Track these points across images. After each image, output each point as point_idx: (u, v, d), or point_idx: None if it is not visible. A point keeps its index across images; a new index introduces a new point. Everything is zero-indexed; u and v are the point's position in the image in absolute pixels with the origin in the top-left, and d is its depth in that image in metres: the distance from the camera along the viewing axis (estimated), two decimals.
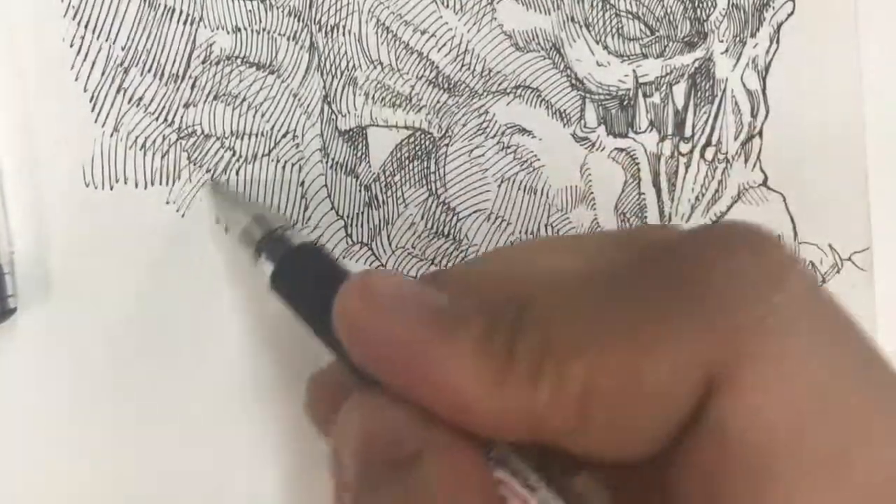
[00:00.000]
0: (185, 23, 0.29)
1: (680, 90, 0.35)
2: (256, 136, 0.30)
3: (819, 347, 0.18)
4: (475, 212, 0.33)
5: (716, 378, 0.18)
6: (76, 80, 0.28)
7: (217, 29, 0.30)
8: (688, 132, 0.35)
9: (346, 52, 0.31)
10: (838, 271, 0.37)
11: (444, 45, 0.32)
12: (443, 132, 0.32)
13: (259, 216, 0.27)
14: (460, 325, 0.19)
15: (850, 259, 0.37)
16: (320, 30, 0.31)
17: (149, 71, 0.29)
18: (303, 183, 0.31)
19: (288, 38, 0.30)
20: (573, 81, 0.33)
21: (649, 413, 0.18)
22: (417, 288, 0.21)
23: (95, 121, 0.28)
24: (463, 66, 0.32)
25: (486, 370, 0.19)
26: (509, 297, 0.20)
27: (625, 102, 0.34)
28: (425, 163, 0.32)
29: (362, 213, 0.31)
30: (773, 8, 0.36)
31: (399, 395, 0.20)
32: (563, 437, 0.19)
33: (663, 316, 0.18)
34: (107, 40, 0.28)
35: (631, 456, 0.19)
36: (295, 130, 0.31)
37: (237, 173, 0.30)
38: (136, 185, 0.29)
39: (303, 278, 0.26)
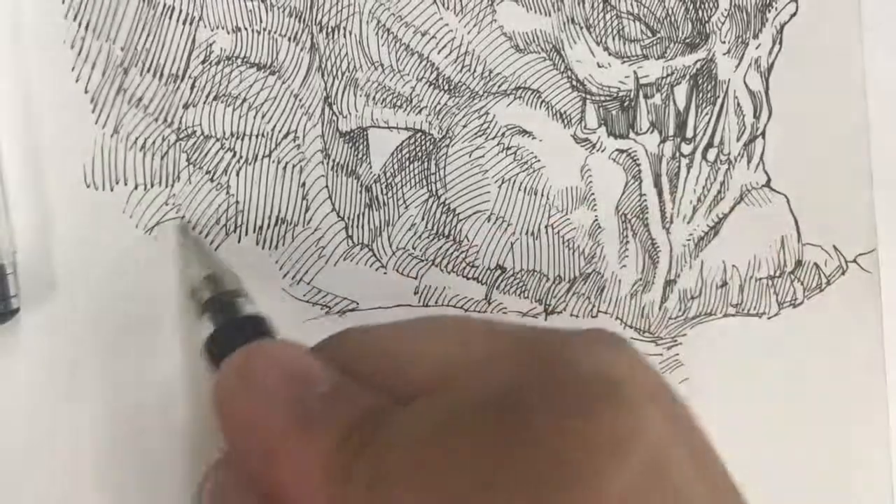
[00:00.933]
0: (184, 22, 0.29)
1: (681, 91, 0.34)
2: (257, 137, 0.30)
3: None
4: (476, 213, 0.33)
5: None
6: (77, 80, 0.28)
7: (217, 29, 0.30)
8: (689, 133, 0.35)
9: (346, 54, 0.31)
10: (843, 273, 0.37)
11: (445, 46, 0.32)
12: (443, 133, 0.32)
13: (214, 276, 0.27)
14: (320, 428, 0.20)
15: (855, 261, 0.37)
16: (321, 31, 0.31)
17: (148, 71, 0.29)
18: (303, 184, 0.31)
19: (289, 39, 0.30)
20: (574, 83, 0.33)
21: None
22: (300, 368, 0.21)
23: (96, 122, 0.28)
24: (463, 67, 0.32)
25: (329, 479, 0.19)
26: (365, 411, 0.20)
27: (626, 104, 0.34)
28: (426, 164, 0.32)
29: (363, 214, 0.31)
30: (776, 8, 0.36)
31: (246, 475, 0.21)
32: None
33: (491, 487, 0.17)
34: (106, 41, 0.28)
35: None
36: (296, 132, 0.31)
37: (238, 174, 0.30)
38: (136, 186, 0.29)
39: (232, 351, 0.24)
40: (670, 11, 0.34)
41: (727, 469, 0.21)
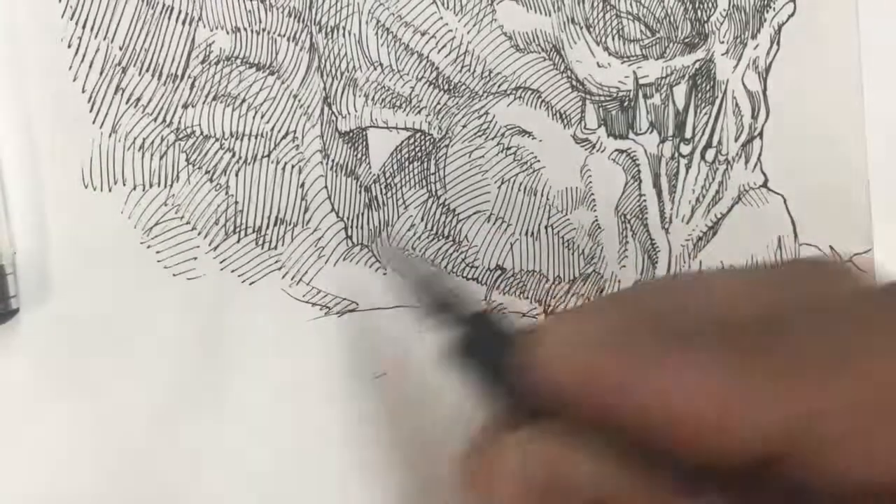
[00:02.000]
0: (183, 22, 0.29)
1: (680, 91, 0.35)
2: (256, 137, 0.30)
3: None
4: (475, 213, 0.32)
5: None
6: (74, 80, 0.28)
7: (216, 29, 0.29)
8: (688, 133, 0.35)
9: (346, 54, 0.31)
10: None
11: (445, 46, 0.32)
12: (443, 133, 0.32)
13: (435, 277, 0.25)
14: (695, 336, 0.18)
15: (851, 261, 0.37)
16: (320, 31, 0.31)
17: (147, 71, 0.29)
18: (303, 184, 0.30)
19: (288, 39, 0.30)
20: (573, 83, 0.33)
21: None
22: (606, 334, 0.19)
23: (94, 121, 0.28)
24: (463, 67, 0.32)
25: (743, 370, 0.17)
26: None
27: (625, 104, 0.34)
28: (425, 164, 0.32)
29: (362, 214, 0.31)
30: (774, 9, 0.36)
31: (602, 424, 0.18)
32: (820, 455, 0.17)
33: None
34: (105, 40, 0.28)
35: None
36: (295, 132, 0.30)
37: (237, 174, 0.30)
38: (135, 187, 0.29)
39: (484, 350, 0.22)
40: (669, 11, 0.34)
41: None
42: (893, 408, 0.17)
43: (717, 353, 0.17)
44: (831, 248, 0.37)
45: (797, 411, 0.17)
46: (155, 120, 0.29)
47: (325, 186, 0.31)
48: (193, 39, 0.29)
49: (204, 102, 0.29)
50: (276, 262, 0.30)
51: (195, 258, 0.29)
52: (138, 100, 0.29)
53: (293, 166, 0.30)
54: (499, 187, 0.33)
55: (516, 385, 0.20)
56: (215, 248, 0.30)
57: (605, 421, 0.18)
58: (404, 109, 0.32)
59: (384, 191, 0.31)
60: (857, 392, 0.17)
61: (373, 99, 0.31)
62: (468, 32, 0.32)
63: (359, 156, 0.31)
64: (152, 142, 0.29)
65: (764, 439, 0.17)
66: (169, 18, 0.29)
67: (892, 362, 0.17)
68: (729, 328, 0.18)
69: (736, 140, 0.35)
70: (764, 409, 0.17)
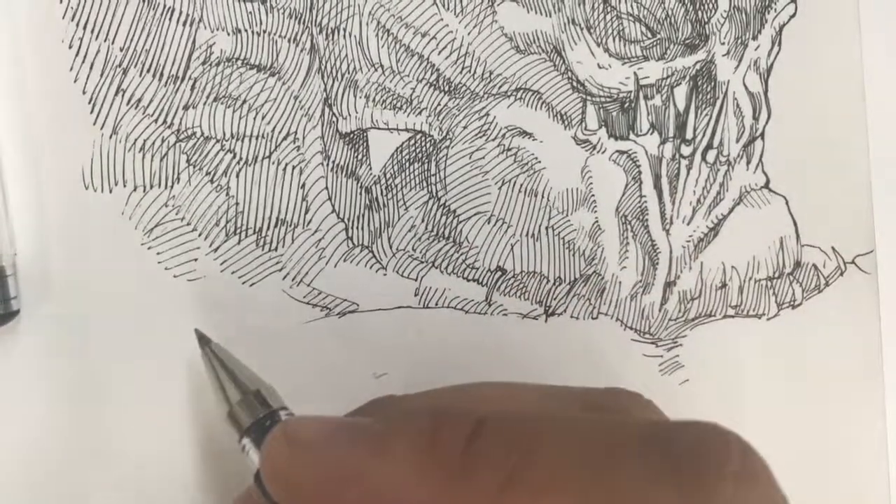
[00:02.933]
0: (184, 23, 0.29)
1: (681, 92, 0.34)
2: (257, 138, 0.30)
3: None
4: (476, 214, 0.32)
5: None
6: (75, 81, 0.28)
7: (217, 30, 0.29)
8: (689, 134, 0.35)
9: (346, 55, 0.31)
10: (842, 274, 0.37)
11: (445, 47, 0.32)
12: (443, 134, 0.32)
13: (250, 396, 0.25)
14: (400, 434, 0.19)
15: (853, 262, 0.37)
16: (321, 32, 0.31)
17: (148, 72, 0.29)
18: (303, 185, 0.31)
19: (289, 41, 0.30)
20: (574, 84, 0.33)
21: None
22: (343, 420, 0.21)
23: (94, 123, 0.28)
24: (463, 68, 0.32)
25: (434, 474, 0.18)
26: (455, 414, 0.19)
27: (626, 105, 0.34)
28: (426, 165, 0.32)
29: (363, 215, 0.31)
30: (775, 10, 0.36)
31: None
32: None
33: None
34: (105, 41, 0.28)
35: None
36: (296, 133, 0.30)
37: (238, 175, 0.30)
38: (135, 188, 0.29)
39: None
40: (670, 12, 0.34)
41: None
42: None
43: (422, 462, 0.18)
44: (833, 249, 0.37)
45: None
46: (156, 121, 0.29)
47: (326, 187, 0.31)
48: (194, 41, 0.29)
49: (205, 104, 0.29)
50: (277, 263, 0.30)
51: (196, 259, 0.29)
52: (139, 101, 0.29)
53: (294, 167, 0.30)
54: (499, 188, 0.33)
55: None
56: (216, 250, 0.30)
57: None
58: (405, 111, 0.32)
59: (385, 192, 0.32)
60: None
61: (373, 100, 0.31)
62: (468, 34, 0.32)
63: (359, 157, 0.31)
64: (153, 143, 0.29)
65: None
66: (170, 20, 0.29)
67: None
68: (441, 433, 0.18)
69: (737, 141, 0.35)
70: None
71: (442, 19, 0.32)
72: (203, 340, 0.26)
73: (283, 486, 0.21)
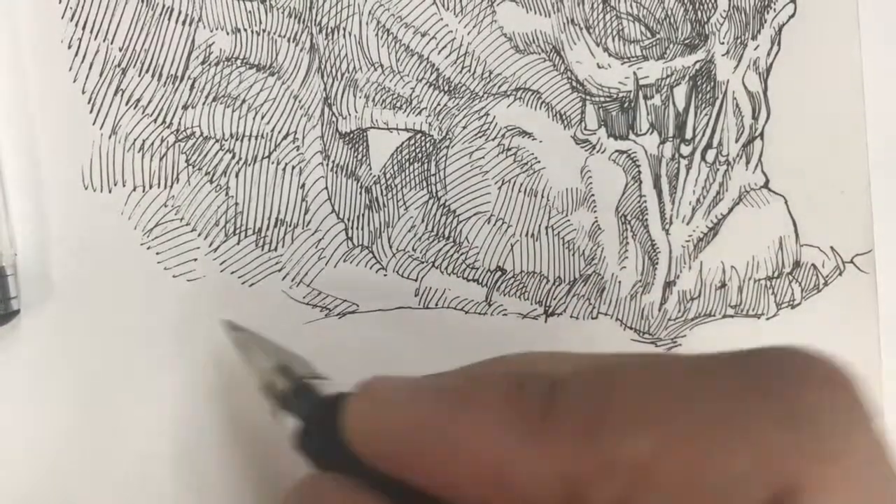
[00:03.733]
0: (183, 23, 0.29)
1: (681, 92, 0.34)
2: (256, 138, 0.30)
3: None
4: (475, 214, 0.32)
5: (783, 500, 0.17)
6: (74, 81, 0.28)
7: (216, 30, 0.29)
8: (689, 134, 0.35)
9: (346, 55, 0.31)
10: (840, 274, 0.37)
11: (445, 47, 0.32)
12: (443, 134, 0.32)
13: (283, 365, 0.25)
14: (482, 388, 0.19)
15: (852, 262, 0.37)
16: (321, 31, 0.31)
17: (147, 72, 0.29)
18: (303, 185, 0.30)
19: (288, 40, 0.30)
20: (574, 83, 0.33)
21: None
22: (422, 378, 0.21)
23: (94, 122, 0.28)
24: (463, 68, 0.32)
25: (518, 424, 0.18)
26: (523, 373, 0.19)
27: (625, 104, 0.34)
28: (426, 165, 0.32)
29: (363, 215, 0.31)
30: (775, 10, 0.36)
31: (424, 488, 0.19)
32: None
33: (748, 419, 0.17)
34: (105, 41, 0.28)
35: None
36: (295, 133, 0.30)
37: (237, 175, 0.30)
38: (135, 188, 0.29)
39: (331, 441, 0.22)
40: (669, 12, 0.34)
41: None
42: (646, 481, 0.17)
43: (505, 413, 0.18)
44: (832, 248, 0.37)
45: (562, 472, 0.18)
46: (155, 121, 0.29)
47: (326, 187, 0.31)
48: (193, 40, 0.29)
49: (204, 103, 0.29)
50: (277, 263, 0.30)
51: (195, 259, 0.29)
52: (138, 101, 0.29)
53: (293, 167, 0.30)
54: (499, 188, 0.33)
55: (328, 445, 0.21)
56: (215, 250, 0.30)
57: (401, 473, 0.19)
58: (405, 110, 0.32)
59: (384, 192, 0.31)
60: (610, 460, 0.17)
61: (373, 100, 0.31)
62: (468, 33, 0.32)
63: (359, 157, 0.31)
64: (152, 143, 0.29)
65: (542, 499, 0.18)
66: (169, 19, 0.29)
67: (648, 437, 0.17)
68: (523, 387, 0.19)
69: (736, 141, 0.35)
70: (538, 469, 0.18)
71: (441, 19, 0.32)
72: (230, 326, 0.27)
73: (369, 442, 0.21)
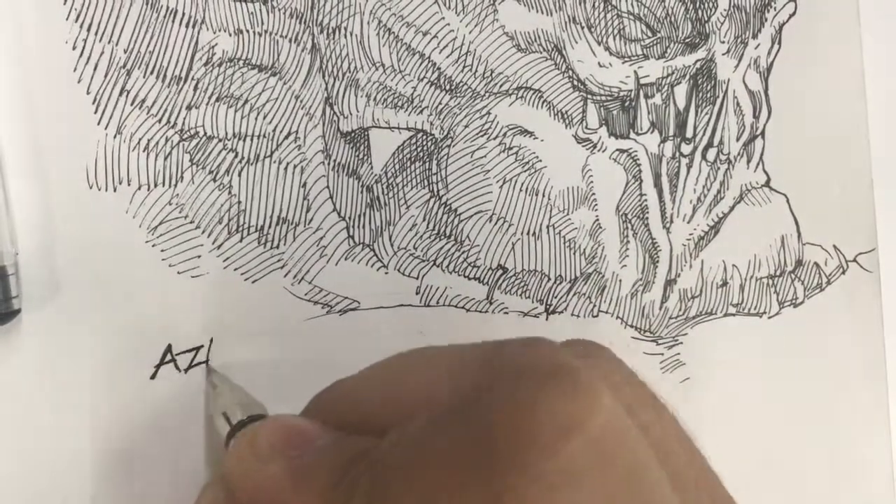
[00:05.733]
0: (187, 25, 0.29)
1: (681, 91, 0.35)
2: (258, 137, 0.30)
3: None
4: (477, 213, 0.33)
5: None
6: (79, 82, 0.28)
7: (219, 31, 0.30)
8: (689, 133, 0.35)
9: (347, 54, 0.31)
10: (843, 272, 0.37)
11: (446, 46, 0.32)
12: (444, 133, 0.32)
13: (241, 403, 0.28)
14: (318, 475, 0.22)
15: (855, 260, 0.37)
16: (322, 32, 0.31)
17: (151, 73, 0.29)
18: (305, 184, 0.31)
19: (290, 41, 0.31)
20: (575, 83, 0.33)
21: None
22: (298, 431, 0.24)
23: (98, 123, 0.29)
24: (465, 67, 0.32)
25: None
26: (355, 453, 0.22)
27: (626, 103, 0.34)
28: (427, 164, 0.32)
29: (364, 214, 0.31)
30: (775, 9, 0.36)
31: None
32: None
33: (458, 483, 0.19)
34: (109, 42, 0.29)
35: None
36: (297, 132, 0.31)
37: (240, 174, 0.30)
38: (139, 187, 0.29)
39: None
40: (670, 11, 0.34)
41: (706, 464, 0.21)
42: None
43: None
44: (835, 247, 0.37)
45: None
46: (159, 121, 0.29)
47: (327, 186, 0.31)
48: (197, 42, 0.29)
49: (207, 104, 0.30)
50: (279, 260, 0.30)
51: (199, 256, 0.30)
52: (143, 101, 0.29)
53: (295, 166, 0.31)
54: (500, 187, 0.33)
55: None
56: (219, 247, 0.30)
57: None
58: (406, 109, 0.32)
59: (386, 191, 0.32)
60: None
61: (374, 99, 0.32)
62: (470, 33, 0.32)
63: (360, 156, 0.31)
64: (156, 142, 0.29)
65: None
66: (172, 21, 0.29)
67: None
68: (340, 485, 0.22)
69: (737, 139, 0.35)
70: None
71: (443, 18, 0.32)
72: (209, 369, 0.30)
73: (236, 483, 0.24)
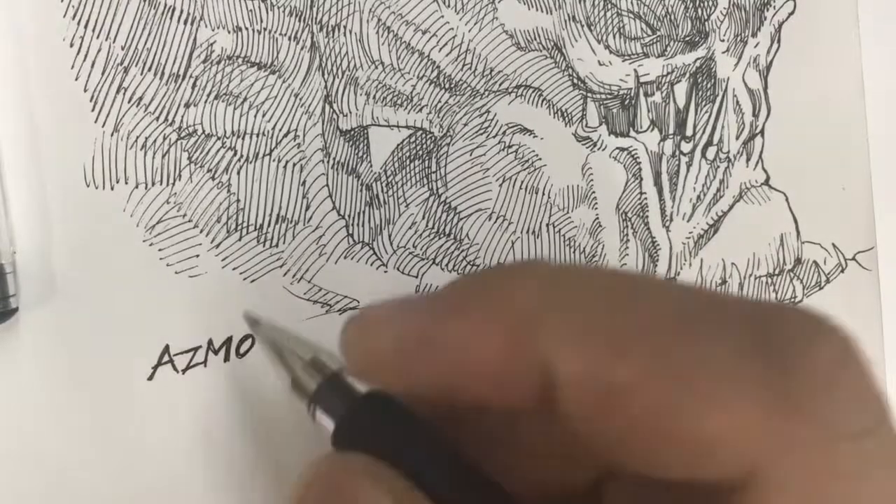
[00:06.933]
0: (185, 22, 0.29)
1: (681, 89, 0.35)
2: (257, 135, 0.30)
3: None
4: (476, 211, 0.33)
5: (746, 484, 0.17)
6: (76, 79, 0.28)
7: (218, 28, 0.30)
8: (689, 131, 0.35)
9: (347, 52, 0.31)
10: (842, 271, 0.37)
11: (446, 44, 0.32)
12: (444, 132, 0.32)
13: (314, 361, 0.24)
14: (470, 294, 0.19)
15: (854, 259, 0.37)
16: (321, 29, 0.31)
17: (149, 70, 0.29)
18: (304, 183, 0.31)
19: (289, 38, 0.30)
20: (575, 81, 0.33)
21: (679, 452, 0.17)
22: (411, 294, 0.21)
23: (96, 120, 0.28)
24: (464, 65, 0.32)
25: (504, 328, 0.18)
26: None
27: (626, 102, 0.34)
28: (426, 162, 0.32)
29: (363, 212, 0.31)
30: (774, 7, 0.36)
31: (415, 395, 0.20)
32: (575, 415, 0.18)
33: (738, 381, 0.17)
34: (107, 39, 0.28)
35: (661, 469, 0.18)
36: (296, 130, 0.31)
37: (239, 173, 0.30)
38: (137, 185, 0.29)
39: (374, 437, 0.21)
40: (670, 10, 0.34)
41: None
42: (616, 402, 0.17)
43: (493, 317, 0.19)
44: (834, 245, 0.37)
45: (544, 371, 0.18)
46: (157, 119, 0.29)
47: (327, 184, 0.31)
48: (195, 39, 0.29)
49: (206, 101, 0.30)
50: (278, 259, 0.30)
51: (197, 255, 0.29)
52: (140, 99, 0.29)
53: (294, 164, 0.31)
54: (500, 185, 0.33)
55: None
56: (217, 246, 0.30)
57: (413, 383, 0.20)
58: (405, 108, 0.32)
59: (385, 189, 0.32)
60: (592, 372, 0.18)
61: (374, 97, 0.31)
62: (469, 31, 0.32)
63: (360, 154, 0.31)
64: (154, 140, 0.29)
65: (543, 382, 0.18)
66: (171, 18, 0.29)
67: None
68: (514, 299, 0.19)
69: (737, 138, 0.35)
70: (522, 368, 0.18)
71: (443, 16, 0.32)
72: (253, 322, 0.26)
73: (363, 362, 0.21)
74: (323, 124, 0.31)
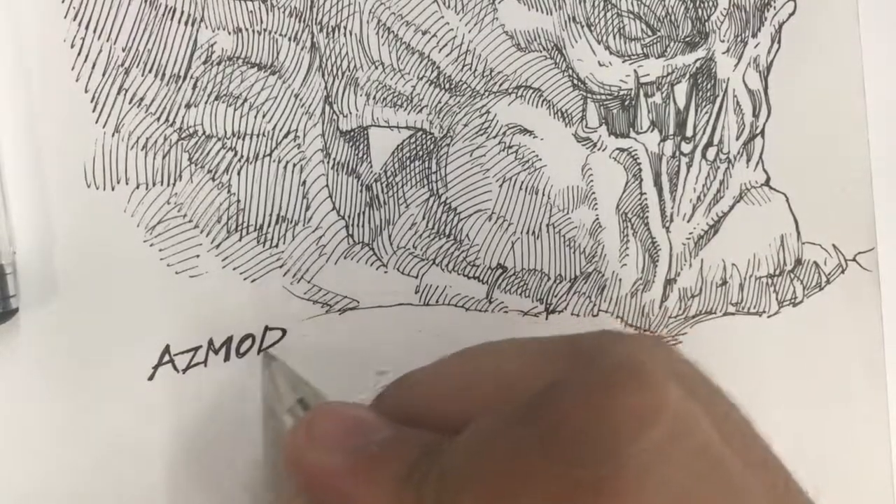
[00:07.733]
0: (186, 23, 0.29)
1: (681, 90, 0.35)
2: (258, 136, 0.30)
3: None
4: (476, 212, 0.33)
5: None
6: (77, 80, 0.28)
7: (218, 29, 0.30)
8: (689, 132, 0.35)
9: (347, 53, 0.31)
10: (843, 272, 0.37)
11: (446, 45, 0.32)
12: (444, 132, 0.32)
13: (303, 399, 0.28)
14: (377, 469, 0.22)
15: (854, 259, 0.37)
16: (321, 30, 0.31)
17: (150, 71, 0.29)
18: (304, 183, 0.31)
19: (289, 39, 0.30)
20: (575, 81, 0.33)
21: None
22: (357, 422, 0.24)
23: (96, 121, 0.28)
24: (464, 66, 0.32)
25: None
26: (423, 447, 0.22)
27: (626, 102, 0.34)
28: (426, 163, 0.32)
29: (363, 213, 0.31)
30: (775, 8, 0.36)
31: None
32: None
33: (530, 477, 0.19)
34: (107, 41, 0.28)
35: None
36: (296, 131, 0.31)
37: (239, 173, 0.30)
38: (138, 186, 0.29)
39: None
40: (670, 10, 0.34)
41: (768, 446, 0.22)
42: None
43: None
44: (834, 246, 0.37)
45: None
46: (158, 119, 0.29)
47: (327, 185, 0.31)
48: (195, 40, 0.29)
49: (206, 102, 0.30)
50: (278, 259, 0.30)
51: (197, 256, 0.29)
52: (141, 100, 0.29)
53: (294, 165, 0.31)
54: (500, 186, 0.33)
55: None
56: (217, 246, 0.30)
57: None
58: (405, 108, 0.32)
59: (385, 189, 0.32)
60: None
61: (374, 98, 0.31)
62: (469, 31, 0.32)
63: (360, 155, 0.31)
64: (155, 141, 0.29)
65: None
66: (171, 20, 0.29)
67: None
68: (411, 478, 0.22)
69: (737, 138, 0.35)
70: None
71: (443, 17, 0.32)
72: (268, 358, 0.29)
73: (297, 471, 0.24)
74: (323, 125, 0.31)
